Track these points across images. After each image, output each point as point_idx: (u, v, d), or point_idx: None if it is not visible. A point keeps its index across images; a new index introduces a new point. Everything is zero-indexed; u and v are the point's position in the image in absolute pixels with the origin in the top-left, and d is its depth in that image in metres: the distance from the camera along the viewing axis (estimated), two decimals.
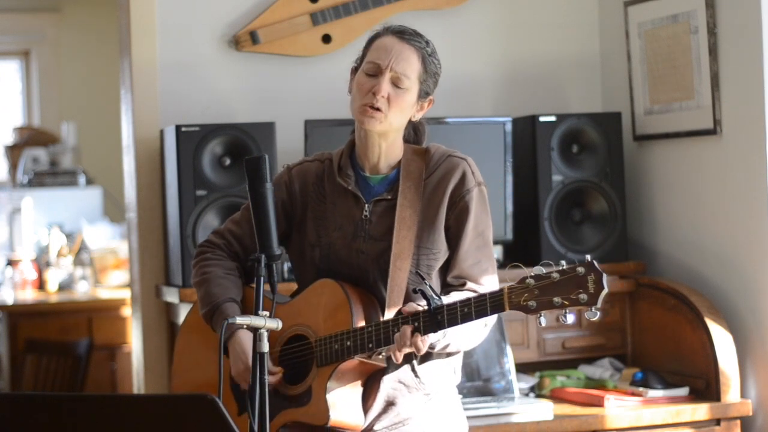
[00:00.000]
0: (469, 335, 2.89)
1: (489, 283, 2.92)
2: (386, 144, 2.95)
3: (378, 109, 2.88)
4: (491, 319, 2.90)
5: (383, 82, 2.88)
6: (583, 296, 2.57)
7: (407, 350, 2.75)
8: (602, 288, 2.57)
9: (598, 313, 2.58)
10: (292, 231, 3.05)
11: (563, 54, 4.65)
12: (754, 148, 4.01)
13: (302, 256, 3.02)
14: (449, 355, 2.97)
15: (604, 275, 2.57)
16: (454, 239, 2.92)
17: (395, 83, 2.89)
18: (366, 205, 2.95)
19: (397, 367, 2.91)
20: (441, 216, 2.92)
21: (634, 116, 4.47)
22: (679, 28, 4.24)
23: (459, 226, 2.92)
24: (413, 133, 3.04)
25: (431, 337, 2.78)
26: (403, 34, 2.94)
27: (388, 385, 2.93)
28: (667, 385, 3.99)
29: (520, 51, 4.62)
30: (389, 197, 2.94)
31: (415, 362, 2.92)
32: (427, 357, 2.94)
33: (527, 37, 4.63)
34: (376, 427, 2.94)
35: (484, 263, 2.93)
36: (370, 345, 2.81)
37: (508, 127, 4.26)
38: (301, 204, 3.03)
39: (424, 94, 2.95)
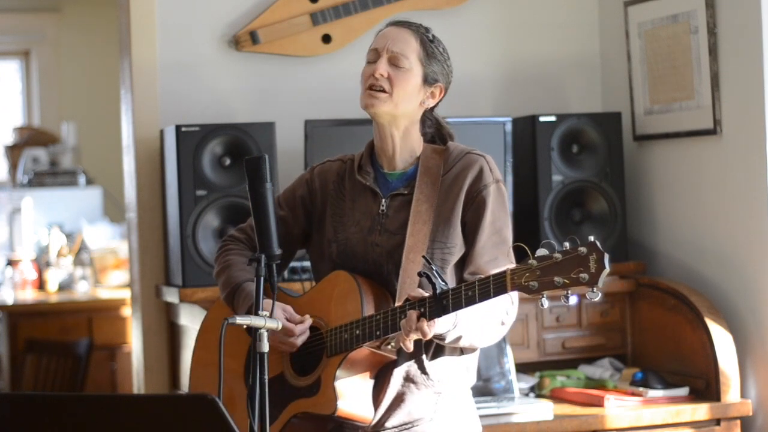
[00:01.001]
0: (483, 330, 2.87)
1: None
2: (399, 134, 2.96)
3: (381, 90, 2.90)
4: (510, 318, 2.89)
5: (381, 62, 2.92)
6: (584, 275, 2.56)
7: (414, 336, 2.74)
8: (603, 267, 2.55)
9: (600, 294, 2.57)
10: (312, 230, 3.06)
11: (563, 54, 4.65)
12: (754, 148, 4.01)
13: (321, 254, 3.04)
14: (462, 352, 2.96)
15: (606, 255, 2.56)
16: (470, 235, 2.92)
17: (394, 63, 2.92)
18: (383, 200, 2.97)
19: (408, 358, 2.90)
20: (457, 211, 2.92)
21: (634, 116, 4.47)
22: (679, 28, 4.24)
23: (475, 221, 2.91)
24: (438, 138, 3.04)
25: (441, 327, 2.76)
26: (401, 22, 2.99)
27: (397, 380, 2.92)
28: (667, 385, 3.99)
29: (520, 51, 4.62)
30: (406, 192, 2.95)
31: (424, 357, 2.91)
32: (439, 352, 2.93)
33: (527, 37, 4.63)
34: (387, 425, 2.94)
35: (501, 261, 2.91)
36: (378, 332, 2.82)
37: (508, 127, 4.26)
38: (321, 202, 3.05)
39: (431, 80, 2.95)
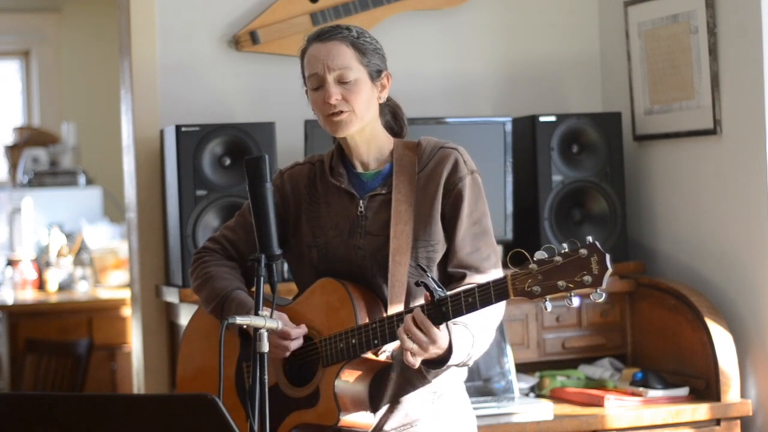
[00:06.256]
0: (490, 339, 2.87)
1: (492, 270, 2.89)
2: (365, 137, 2.94)
3: (341, 112, 2.87)
4: (502, 312, 2.89)
5: (330, 86, 2.87)
6: (588, 278, 2.56)
7: (416, 349, 2.70)
8: (606, 268, 2.55)
9: (604, 294, 2.57)
10: (288, 235, 3.04)
11: (563, 54, 4.65)
12: (754, 148, 4.01)
13: (300, 258, 3.01)
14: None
15: (607, 255, 2.55)
16: (450, 228, 2.90)
17: (341, 80, 2.88)
18: (360, 201, 2.94)
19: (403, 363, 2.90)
20: (436, 207, 2.90)
21: (634, 116, 4.47)
22: (679, 28, 4.24)
23: (454, 214, 2.90)
24: (393, 119, 3.02)
25: (460, 355, 2.74)
26: (322, 34, 2.93)
27: (394, 383, 2.92)
28: (667, 385, 3.99)
29: (520, 51, 4.62)
30: (384, 192, 2.93)
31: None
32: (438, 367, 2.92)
33: (527, 37, 4.63)
34: (385, 428, 2.93)
35: (484, 251, 2.90)
36: (376, 342, 2.81)
37: (508, 127, 4.26)
38: (294, 207, 3.02)
39: (376, 74, 2.92)
